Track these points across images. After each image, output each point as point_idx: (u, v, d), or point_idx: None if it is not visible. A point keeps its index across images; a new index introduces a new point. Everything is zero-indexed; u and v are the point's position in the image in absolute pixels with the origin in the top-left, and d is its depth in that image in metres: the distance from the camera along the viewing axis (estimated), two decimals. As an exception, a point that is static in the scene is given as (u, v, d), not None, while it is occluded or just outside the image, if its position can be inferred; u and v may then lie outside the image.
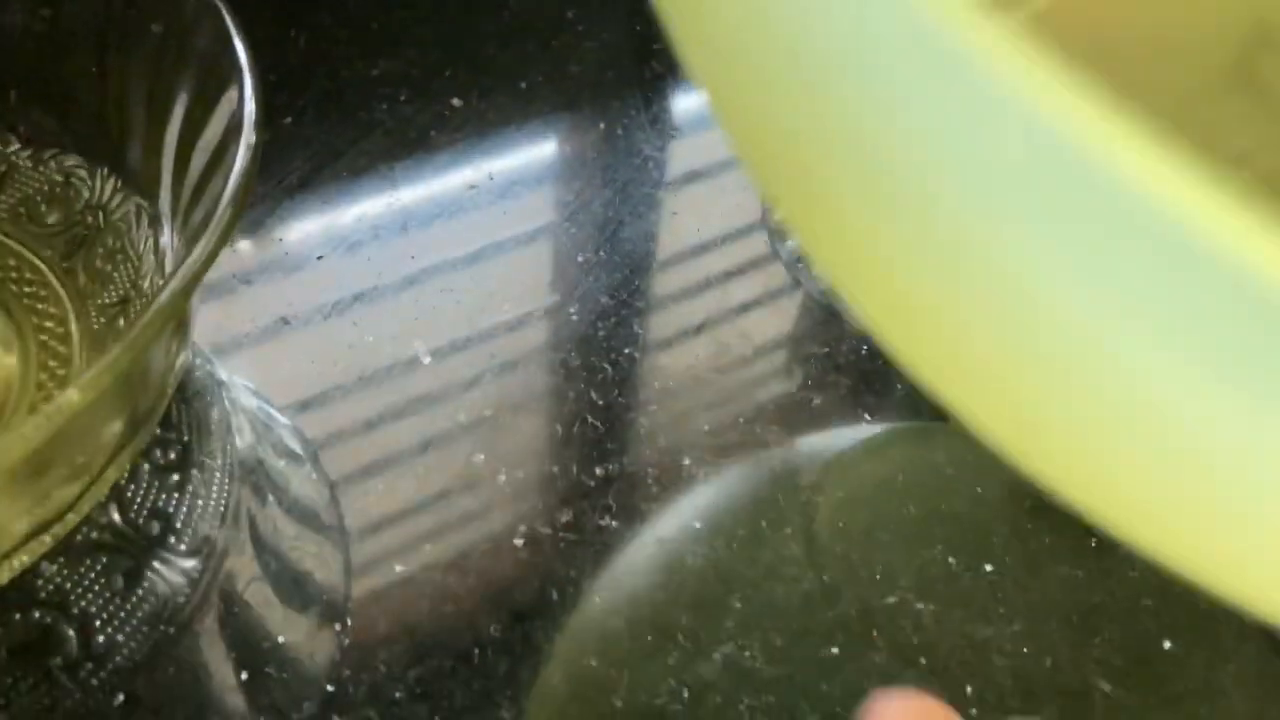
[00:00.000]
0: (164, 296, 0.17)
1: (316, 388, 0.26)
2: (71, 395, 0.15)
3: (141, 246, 0.25)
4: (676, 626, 0.23)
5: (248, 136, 0.20)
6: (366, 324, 0.27)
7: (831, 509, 0.25)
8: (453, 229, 0.30)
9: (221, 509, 0.25)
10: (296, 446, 0.26)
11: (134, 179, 0.25)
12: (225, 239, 0.18)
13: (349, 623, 0.23)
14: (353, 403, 0.26)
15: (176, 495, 0.25)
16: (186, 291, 0.17)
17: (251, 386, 0.27)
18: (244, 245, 0.29)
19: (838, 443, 0.26)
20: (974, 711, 0.22)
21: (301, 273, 0.28)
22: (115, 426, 0.19)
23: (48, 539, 0.20)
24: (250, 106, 0.21)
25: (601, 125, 0.32)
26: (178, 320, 0.20)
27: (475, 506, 0.25)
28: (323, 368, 0.27)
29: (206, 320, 0.27)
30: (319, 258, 0.29)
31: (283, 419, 0.26)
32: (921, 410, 0.27)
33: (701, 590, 0.23)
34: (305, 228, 0.29)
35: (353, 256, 0.29)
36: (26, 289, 0.25)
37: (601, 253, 0.29)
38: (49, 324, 0.24)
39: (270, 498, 0.26)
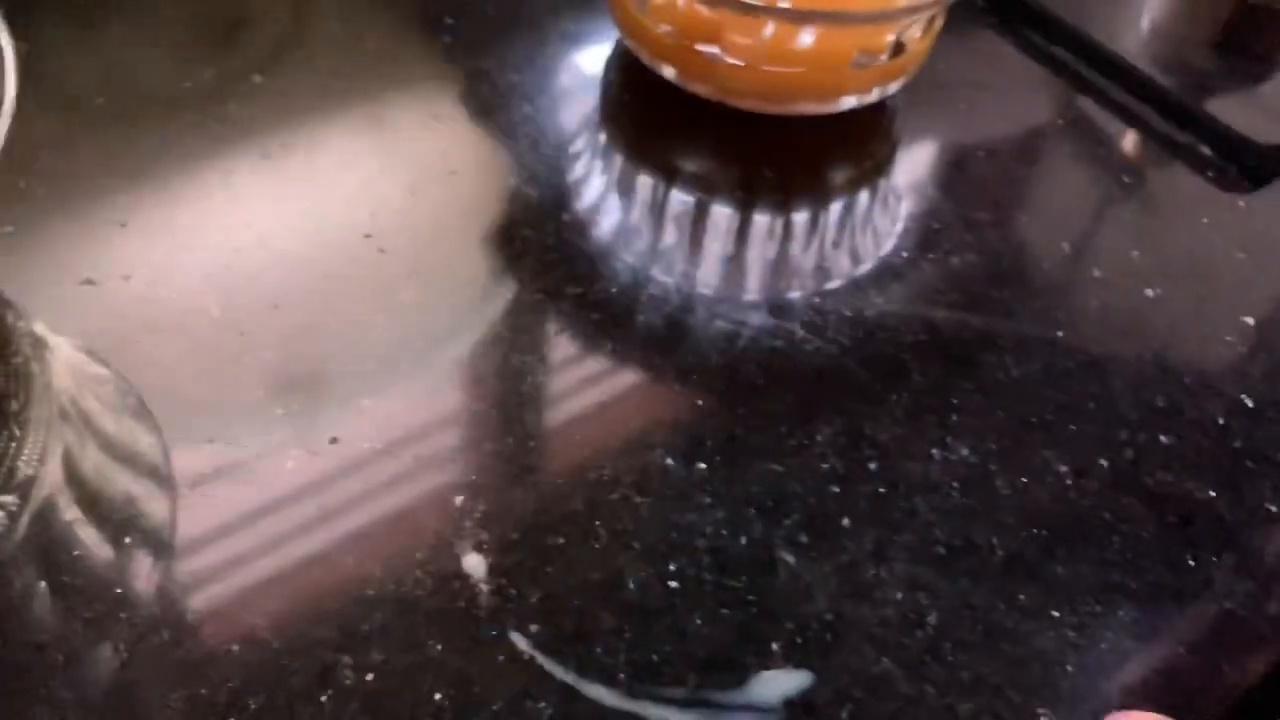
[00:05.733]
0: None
1: (135, 338, 0.30)
2: None
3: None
4: (427, 529, 0.26)
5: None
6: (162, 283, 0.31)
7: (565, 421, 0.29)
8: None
9: (40, 450, 0.28)
10: (118, 394, 0.29)
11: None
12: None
13: (170, 547, 0.26)
14: (175, 350, 0.29)
15: (-8, 439, 0.28)
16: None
17: (69, 338, 0.30)
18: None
19: (574, 372, 0.30)
20: (674, 584, 0.26)
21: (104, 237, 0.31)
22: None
23: None
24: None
25: None
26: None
27: (289, 432, 0.28)
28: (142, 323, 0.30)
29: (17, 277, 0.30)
30: (122, 224, 0.32)
31: (104, 370, 0.29)
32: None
33: (447, 498, 0.27)
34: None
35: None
36: None
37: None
38: None
39: (90, 441, 0.29)
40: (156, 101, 0.36)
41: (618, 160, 0.36)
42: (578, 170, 0.35)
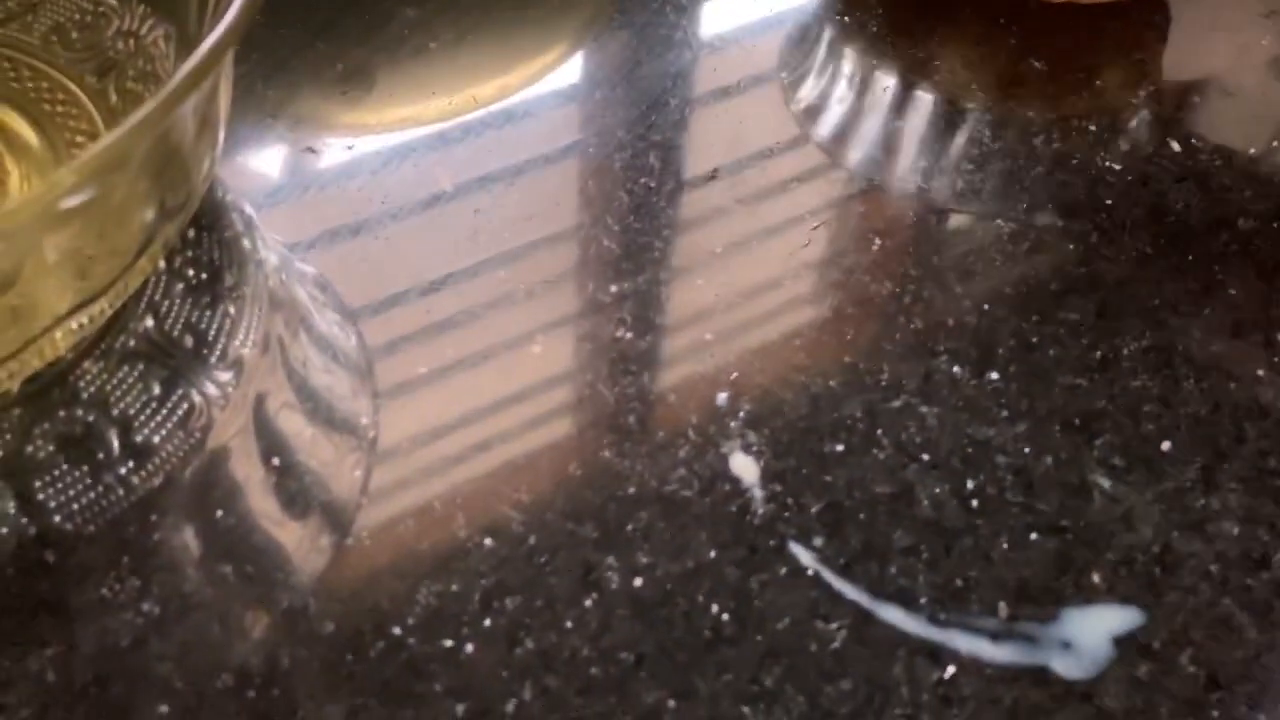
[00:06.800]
0: (182, 71, 0.18)
1: (344, 244, 0.27)
2: (101, 143, 0.16)
3: (172, 69, 0.26)
4: (687, 424, 0.23)
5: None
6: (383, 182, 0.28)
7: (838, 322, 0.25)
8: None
9: (252, 332, 0.26)
10: (321, 290, 0.27)
11: (162, 5, 0.26)
12: (239, 30, 0.19)
13: (378, 426, 0.24)
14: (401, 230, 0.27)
15: (209, 314, 0.26)
16: (202, 71, 0.18)
17: (281, 239, 0.27)
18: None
19: (846, 265, 0.27)
20: (974, 503, 0.23)
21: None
22: (148, 211, 0.20)
23: (86, 320, 0.21)
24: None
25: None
26: (204, 112, 0.21)
27: (501, 325, 0.25)
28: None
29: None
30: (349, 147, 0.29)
31: (309, 268, 0.27)
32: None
33: (710, 392, 0.24)
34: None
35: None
36: (59, 109, 0.26)
37: (619, 90, 0.30)
38: (81, 139, 0.25)
39: (300, 330, 0.26)
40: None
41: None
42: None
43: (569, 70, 0.31)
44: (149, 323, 0.25)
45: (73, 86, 0.26)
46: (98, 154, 0.16)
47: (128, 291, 0.22)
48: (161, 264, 0.25)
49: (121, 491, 0.23)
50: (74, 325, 0.21)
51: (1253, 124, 0.31)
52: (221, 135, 0.23)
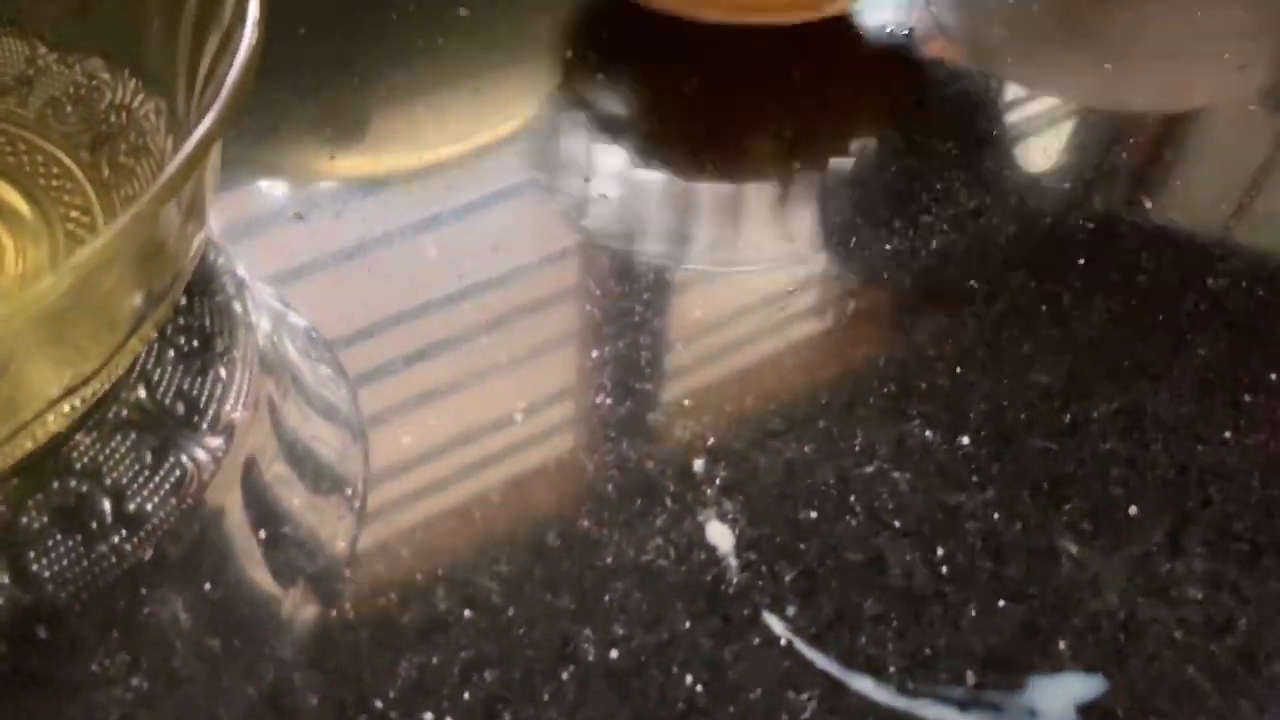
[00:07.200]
0: (169, 169, 0.18)
1: (336, 292, 0.28)
2: (90, 247, 0.16)
3: (163, 142, 0.26)
4: (664, 491, 0.24)
5: (249, 35, 0.22)
6: (374, 218, 0.29)
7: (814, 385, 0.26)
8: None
9: (243, 396, 0.27)
10: (315, 346, 0.28)
11: (153, 79, 0.27)
12: (226, 119, 0.20)
13: (361, 492, 0.24)
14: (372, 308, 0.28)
15: (200, 380, 0.27)
16: (191, 165, 0.19)
17: (271, 289, 0.28)
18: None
19: (822, 327, 0.27)
20: (944, 569, 0.23)
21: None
22: (135, 298, 0.21)
23: (78, 403, 0.22)
24: (253, 7, 0.22)
25: None
26: (191, 201, 0.21)
27: (484, 392, 0.26)
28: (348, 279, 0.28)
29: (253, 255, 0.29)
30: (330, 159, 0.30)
31: (302, 320, 0.28)
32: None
33: (687, 458, 0.24)
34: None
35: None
36: (54, 182, 0.26)
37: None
38: (75, 214, 0.26)
39: (290, 389, 0.27)
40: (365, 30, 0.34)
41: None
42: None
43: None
44: (141, 393, 0.25)
45: (67, 160, 0.27)
46: (87, 258, 0.17)
47: (119, 371, 0.22)
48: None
49: (114, 560, 0.24)
50: (66, 409, 0.21)
51: (1224, 181, 0.31)
52: (208, 214, 0.24)
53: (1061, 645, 0.22)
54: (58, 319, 0.18)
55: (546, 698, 0.21)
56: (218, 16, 0.24)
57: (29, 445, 0.22)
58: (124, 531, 0.24)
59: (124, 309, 0.21)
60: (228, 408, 0.26)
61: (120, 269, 0.19)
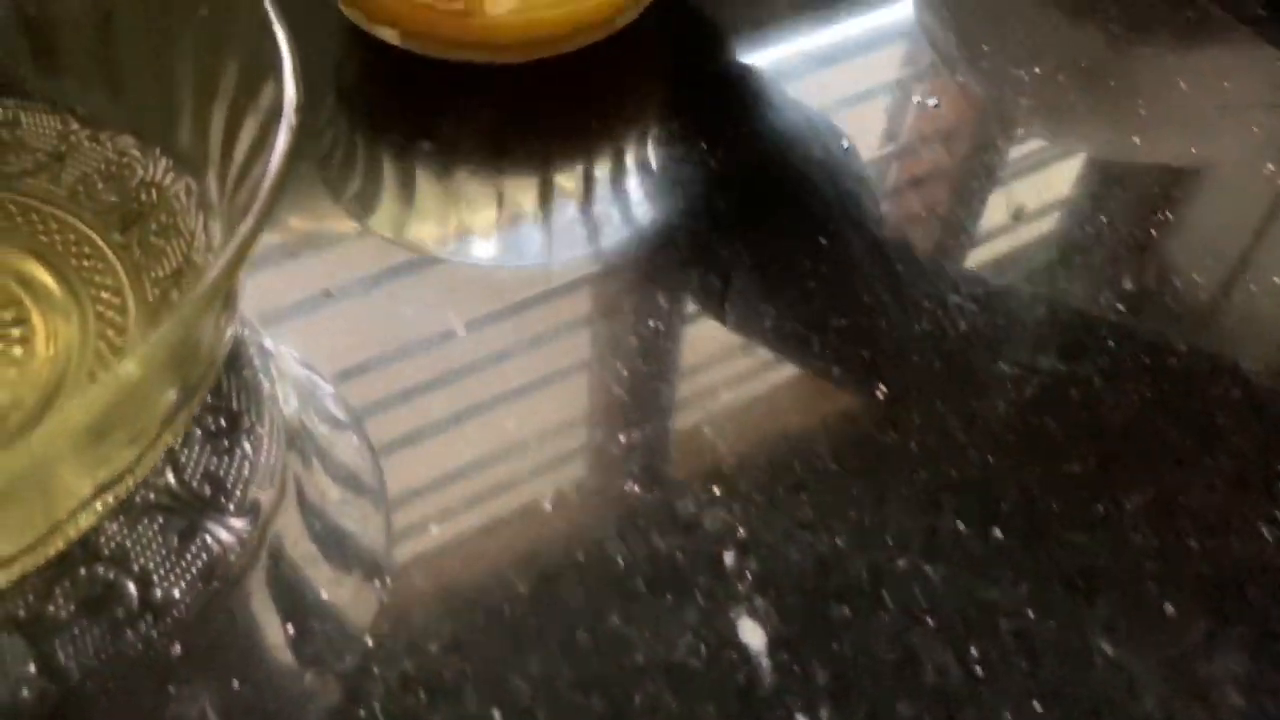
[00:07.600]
0: (210, 275, 0.18)
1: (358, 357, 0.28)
2: (128, 366, 0.16)
3: (193, 223, 0.26)
4: (694, 586, 0.24)
5: (288, 119, 0.22)
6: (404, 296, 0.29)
7: (845, 477, 0.26)
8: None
9: (269, 473, 0.26)
10: (340, 414, 0.28)
11: (185, 159, 0.27)
12: (266, 218, 0.20)
13: (388, 581, 0.24)
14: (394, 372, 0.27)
15: (227, 459, 0.27)
16: (231, 270, 0.19)
17: (297, 356, 0.28)
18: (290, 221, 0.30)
19: (852, 411, 0.27)
20: (978, 669, 0.23)
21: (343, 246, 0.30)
22: (169, 395, 0.21)
23: (110, 499, 0.21)
24: (290, 91, 0.22)
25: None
26: (225, 295, 0.21)
27: (507, 472, 0.26)
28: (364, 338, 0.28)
29: (253, 291, 0.29)
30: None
31: (327, 387, 0.28)
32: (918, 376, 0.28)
33: (717, 551, 0.24)
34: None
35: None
36: (85, 262, 0.26)
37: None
38: (105, 294, 0.26)
39: (315, 462, 0.27)
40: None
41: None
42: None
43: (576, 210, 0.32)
44: (169, 477, 0.25)
45: (98, 240, 0.27)
46: (129, 373, 0.17)
47: (150, 466, 0.22)
48: (181, 416, 0.26)
49: (140, 647, 0.23)
50: (98, 506, 0.21)
51: (1256, 261, 0.31)
52: (239, 305, 0.24)
53: (1098, 751, 0.22)
54: (93, 429, 0.18)
55: (578, 805, 0.21)
56: (254, 103, 0.24)
57: (60, 545, 0.22)
58: (150, 617, 0.24)
59: (159, 407, 0.21)
60: (254, 487, 0.26)
61: (157, 372, 0.19)
